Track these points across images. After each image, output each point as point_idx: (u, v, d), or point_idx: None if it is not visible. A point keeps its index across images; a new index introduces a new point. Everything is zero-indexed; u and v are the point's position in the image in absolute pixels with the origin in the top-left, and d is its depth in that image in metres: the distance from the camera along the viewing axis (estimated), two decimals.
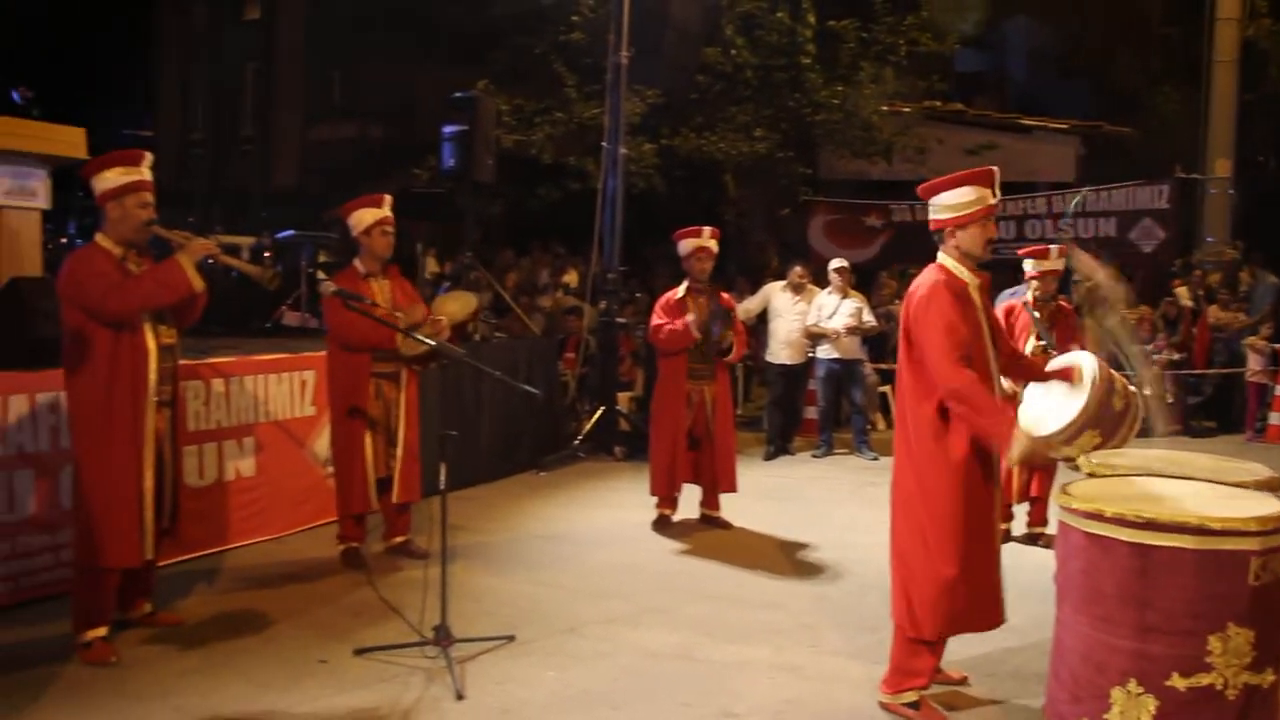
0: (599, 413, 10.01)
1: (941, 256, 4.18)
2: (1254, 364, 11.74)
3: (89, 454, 4.53)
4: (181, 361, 5.00)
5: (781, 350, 10.34)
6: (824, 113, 15.84)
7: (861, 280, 12.48)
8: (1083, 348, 4.74)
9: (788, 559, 6.56)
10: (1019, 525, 7.05)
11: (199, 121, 29.09)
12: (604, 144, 10.37)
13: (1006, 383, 4.81)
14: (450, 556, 4.80)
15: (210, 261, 4.95)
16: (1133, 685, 3.45)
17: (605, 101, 10.61)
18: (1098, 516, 3.51)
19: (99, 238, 4.68)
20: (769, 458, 10.14)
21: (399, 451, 6.07)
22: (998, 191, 4.14)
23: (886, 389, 11.19)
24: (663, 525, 7.25)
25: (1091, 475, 4.27)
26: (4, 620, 5.01)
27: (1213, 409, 12.39)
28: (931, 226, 4.22)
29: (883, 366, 11.38)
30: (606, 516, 7.58)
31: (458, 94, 9.80)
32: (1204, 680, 3.38)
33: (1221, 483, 4.00)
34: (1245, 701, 3.39)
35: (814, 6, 15.53)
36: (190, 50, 28.89)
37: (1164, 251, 15.36)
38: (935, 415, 4.00)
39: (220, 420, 6.31)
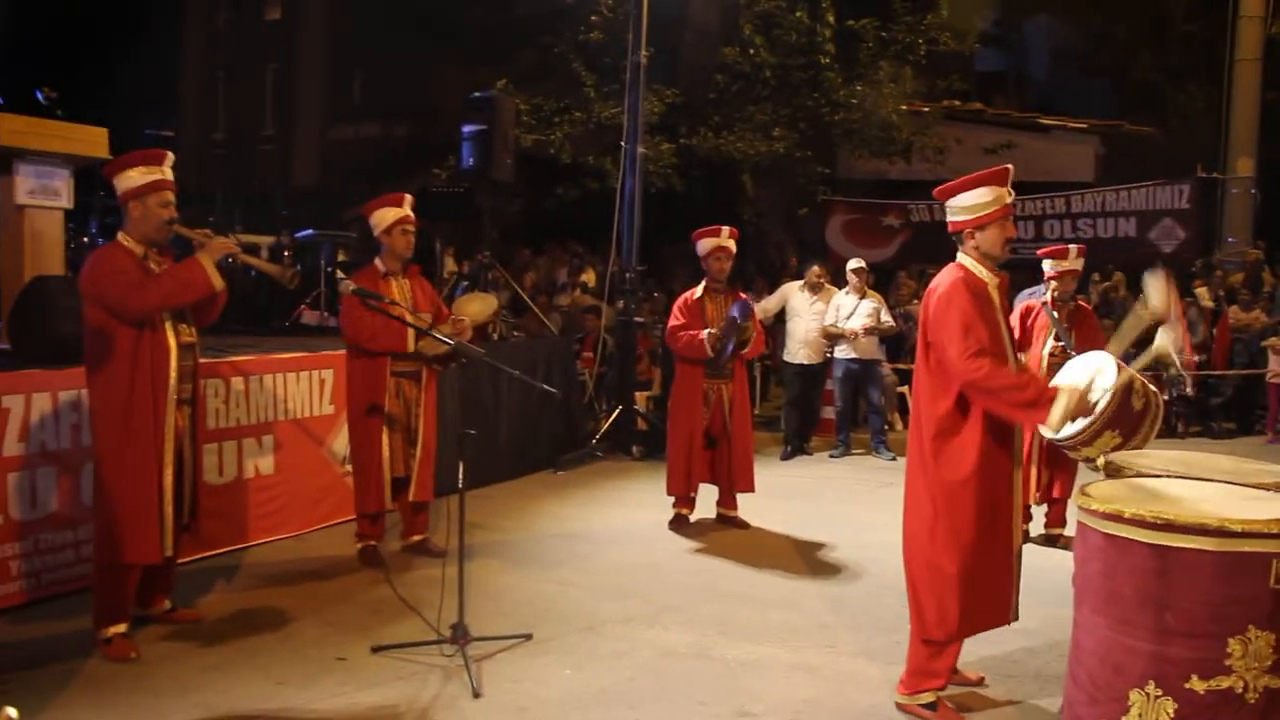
0: (616, 412, 10.03)
1: (961, 257, 4.17)
2: (1275, 365, 11.65)
3: (110, 451, 4.57)
4: (201, 360, 5.03)
5: (799, 350, 10.33)
6: (842, 112, 15.82)
7: (880, 280, 12.48)
8: (1101, 348, 4.72)
9: (805, 559, 6.55)
10: (1037, 526, 7.03)
11: (220, 121, 29.29)
12: (622, 143, 10.38)
13: None
14: (468, 555, 4.81)
15: (230, 260, 4.98)
16: (1151, 687, 3.43)
17: (624, 101, 10.62)
18: (1117, 518, 3.49)
19: (121, 236, 4.71)
20: (786, 458, 10.13)
21: (418, 451, 6.10)
22: (1013, 190, 4.13)
23: (904, 389, 11.17)
24: (680, 525, 7.25)
25: (1110, 476, 4.25)
26: (26, 616, 5.06)
27: (1233, 410, 12.32)
28: (950, 228, 4.21)
29: (901, 366, 11.37)
30: (623, 516, 7.58)
31: (477, 94, 9.83)
32: (1224, 683, 3.36)
33: (1242, 484, 3.97)
34: (1266, 705, 3.36)
35: (833, 6, 15.51)
36: (212, 51, 29.09)
37: (1184, 251, 15.26)
38: (951, 414, 3.99)
39: (240, 418, 6.35)
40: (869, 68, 15.85)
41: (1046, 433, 3.89)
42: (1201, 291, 13.48)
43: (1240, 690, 3.35)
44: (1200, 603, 3.36)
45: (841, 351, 10.25)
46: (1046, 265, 6.93)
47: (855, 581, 6.07)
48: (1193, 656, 3.38)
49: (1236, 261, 14.89)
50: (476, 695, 4.28)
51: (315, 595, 5.57)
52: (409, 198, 6.22)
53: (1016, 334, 6.63)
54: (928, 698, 4.16)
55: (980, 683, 4.51)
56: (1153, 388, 3.96)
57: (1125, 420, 3.81)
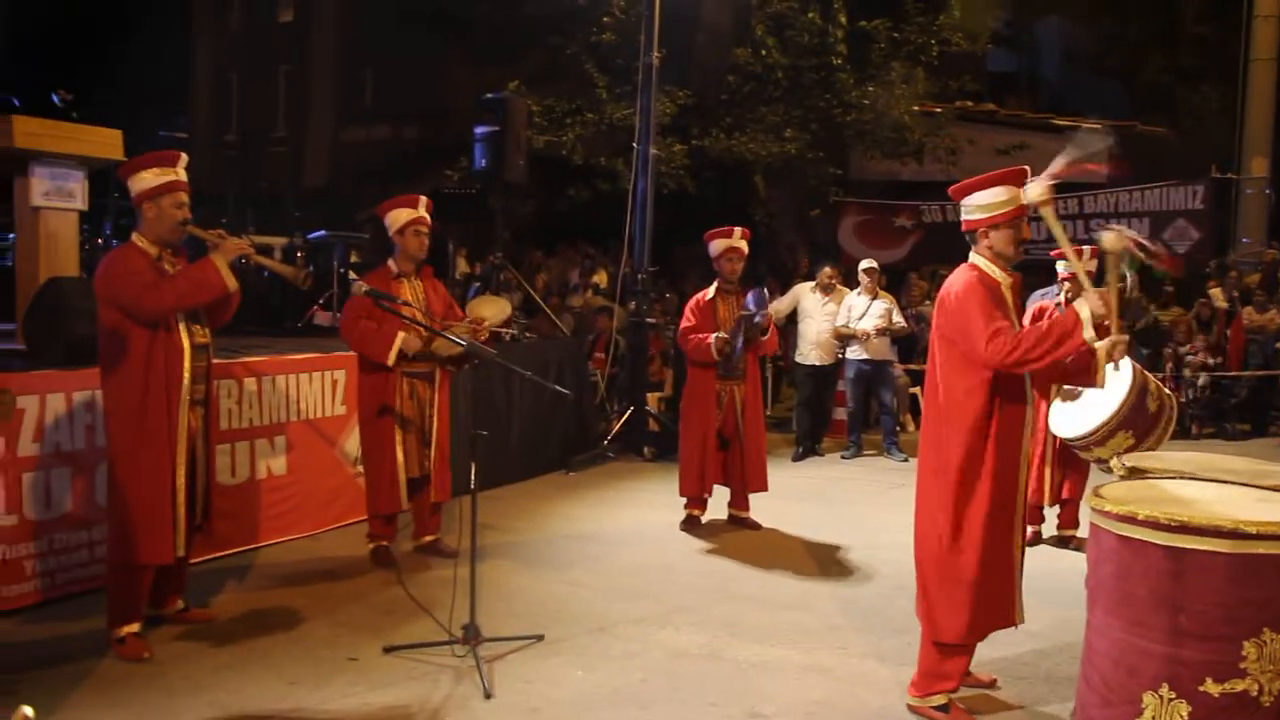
0: (628, 413, 10.02)
1: (974, 256, 4.16)
2: None
3: (123, 452, 4.58)
4: (215, 360, 5.05)
5: (811, 351, 10.32)
6: (855, 113, 15.80)
7: (891, 281, 12.46)
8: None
9: (816, 560, 6.54)
10: (1050, 528, 7.00)
11: (233, 123, 29.42)
12: (634, 144, 10.39)
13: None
14: (479, 556, 4.82)
15: (244, 261, 5.01)
16: (1165, 690, 3.41)
17: (636, 102, 10.62)
18: (1130, 519, 3.48)
19: (135, 237, 4.73)
20: (798, 459, 10.12)
21: (433, 451, 6.11)
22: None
23: (916, 390, 11.14)
24: (691, 526, 7.24)
25: (1124, 478, 4.23)
26: (40, 615, 5.08)
27: (1247, 411, 12.26)
28: (964, 227, 4.20)
29: (913, 367, 11.34)
30: (635, 517, 7.58)
31: (489, 95, 9.84)
32: (1238, 686, 3.34)
33: (1257, 486, 3.95)
34: None
35: (845, 7, 15.49)
36: (225, 52, 29.21)
37: (1199, 252, 15.20)
38: (964, 414, 3.98)
39: (252, 419, 6.36)
40: (881, 69, 15.82)
41: (1059, 433, 3.88)
42: (1216, 292, 13.42)
43: (1255, 693, 3.33)
44: (1214, 605, 3.34)
45: (853, 352, 10.24)
46: (1060, 266, 6.91)
47: (867, 583, 6.06)
48: (1207, 659, 3.36)
49: (1252, 262, 14.83)
50: (488, 696, 4.29)
51: (327, 595, 5.58)
52: (424, 199, 6.24)
53: None
54: (940, 700, 4.16)
55: (992, 685, 4.49)
56: (1167, 390, 3.94)
57: (1139, 422, 3.81)
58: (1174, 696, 3.39)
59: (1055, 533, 6.97)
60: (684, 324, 7.16)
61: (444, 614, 4.91)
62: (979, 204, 4.11)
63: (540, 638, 4.94)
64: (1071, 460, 6.57)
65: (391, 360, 5.87)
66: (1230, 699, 3.34)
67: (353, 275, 9.77)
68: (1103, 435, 3.82)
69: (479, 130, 9.52)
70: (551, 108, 15.74)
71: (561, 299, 14.09)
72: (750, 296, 6.99)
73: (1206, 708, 3.36)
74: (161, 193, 4.68)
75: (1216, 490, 3.87)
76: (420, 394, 6.08)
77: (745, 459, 7.16)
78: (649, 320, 10.64)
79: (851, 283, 10.51)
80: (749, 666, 4.72)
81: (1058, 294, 6.95)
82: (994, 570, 4.00)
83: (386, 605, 5.45)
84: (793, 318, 10.70)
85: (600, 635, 5.07)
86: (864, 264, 10.38)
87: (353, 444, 6.79)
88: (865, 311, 10.09)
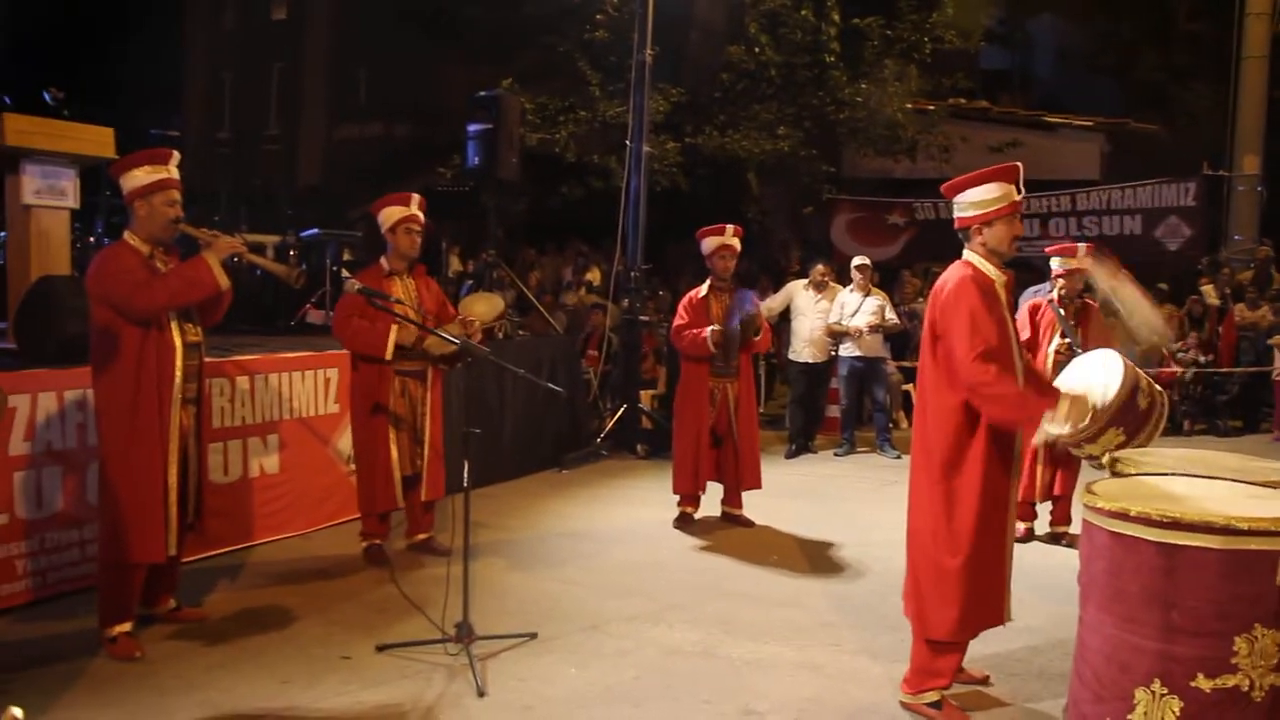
0: (621, 410, 10.03)
1: (967, 253, 4.16)
2: None
3: (115, 450, 4.57)
4: (207, 359, 5.04)
5: (804, 348, 10.33)
6: (848, 110, 15.80)
7: (884, 278, 12.46)
8: (1108, 345, 4.71)
9: (809, 557, 6.55)
10: (1042, 524, 7.02)
11: (226, 121, 29.31)
12: (627, 142, 10.39)
13: None
14: (472, 554, 4.82)
15: (236, 260, 4.98)
16: (1157, 686, 3.42)
17: (629, 100, 10.61)
18: (1123, 516, 3.48)
19: (127, 236, 4.72)
20: (791, 456, 10.13)
21: (425, 449, 6.11)
22: (1022, 188, 4.13)
23: (909, 387, 11.15)
24: (685, 523, 7.24)
25: (1116, 474, 4.24)
26: (31, 615, 5.07)
27: (1239, 408, 12.30)
28: (957, 224, 4.21)
29: (905, 364, 11.36)
30: (628, 514, 7.59)
31: (482, 93, 9.82)
32: (1229, 681, 3.35)
33: (1248, 482, 3.97)
34: (1272, 703, 3.36)
35: (838, 4, 15.48)
36: (218, 50, 29.13)
37: (1190, 249, 15.23)
38: (956, 411, 3.99)
39: (245, 417, 6.35)
40: (874, 66, 15.81)
41: (1051, 429, 3.89)
42: (1208, 289, 13.46)
43: (1246, 688, 3.34)
44: (1206, 601, 3.35)
45: (846, 350, 10.25)
46: (1054, 263, 6.93)
47: (860, 580, 6.07)
48: (1199, 655, 3.37)
49: (1244, 259, 14.87)
50: (481, 694, 4.29)
51: (320, 594, 5.57)
52: (417, 197, 6.23)
53: (1025, 333, 6.63)
54: (933, 696, 4.16)
55: (985, 681, 4.50)
56: (1158, 387, 3.95)
57: (1130, 418, 3.81)
58: (1166, 692, 3.40)
59: (1048, 529, 6.98)
60: (677, 321, 7.16)
61: (437, 612, 4.91)
62: (972, 201, 4.11)
63: (533, 636, 4.94)
64: (1063, 457, 6.58)
65: (389, 355, 5.86)
66: (1222, 694, 3.35)
67: (345, 273, 9.75)
68: (1094, 432, 3.82)
69: (472, 128, 9.50)
70: (545, 105, 15.73)
71: (555, 297, 14.09)
72: (741, 298, 6.99)
73: (1198, 703, 3.37)
74: (153, 191, 4.67)
75: (1208, 487, 3.88)
76: (412, 392, 6.08)
77: (738, 456, 7.16)
78: (642, 318, 10.64)
79: (844, 280, 10.52)
80: (742, 664, 4.73)
81: (1050, 291, 6.96)
82: (985, 567, 4.00)
83: (379, 603, 5.44)
84: (786, 315, 10.71)
85: (593, 633, 5.07)
86: (856, 261, 10.38)
87: (345, 442, 6.78)
88: (858, 309, 10.10)
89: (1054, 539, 6.91)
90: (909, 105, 16.23)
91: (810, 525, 7.26)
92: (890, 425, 10.63)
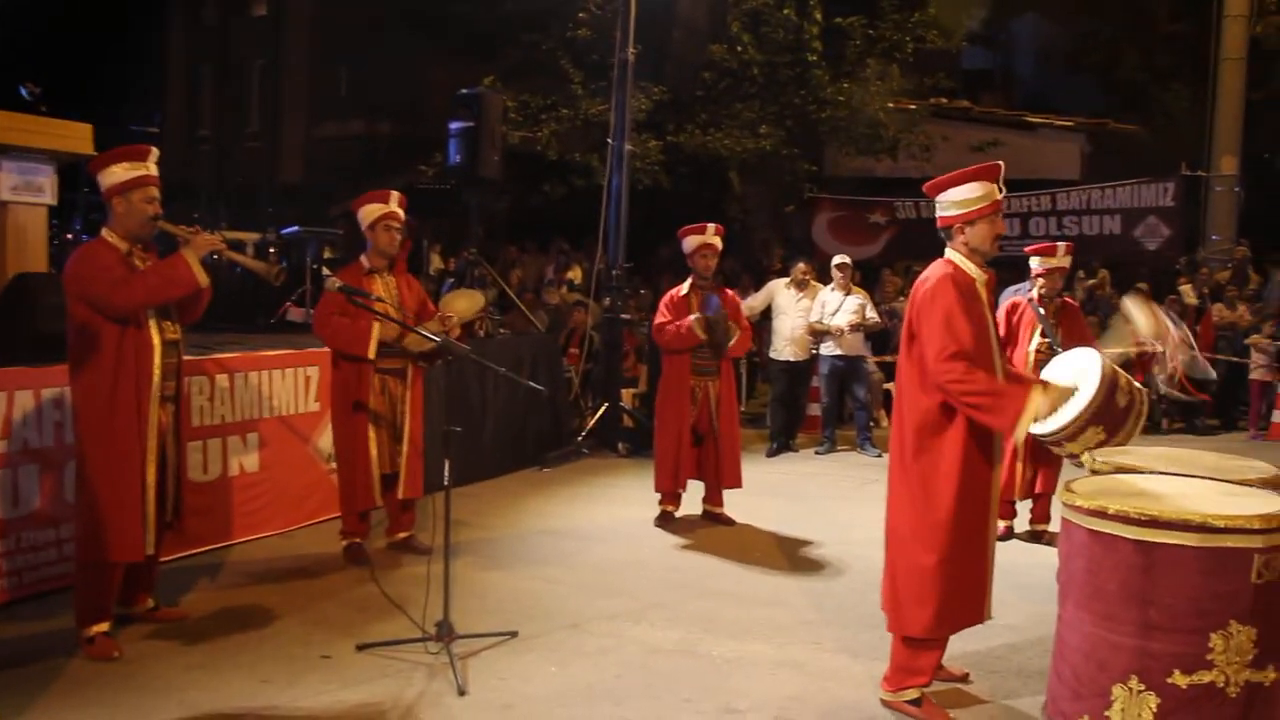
0: (603, 409, 10.02)
1: (949, 252, 4.17)
2: (1257, 362, 11.74)
3: (93, 449, 4.54)
4: (186, 357, 5.01)
5: (785, 347, 10.34)
6: (829, 109, 15.86)
7: (866, 277, 12.50)
8: (1088, 344, 4.73)
9: (790, 556, 6.56)
10: (1022, 522, 7.05)
11: (205, 117, 29.18)
12: (609, 140, 10.38)
13: None
14: (453, 552, 4.80)
15: (215, 257, 4.96)
16: (1134, 682, 3.45)
17: (611, 98, 10.61)
18: (1101, 514, 3.51)
19: (105, 233, 4.69)
20: (772, 454, 10.15)
21: (404, 448, 6.09)
22: (1003, 187, 4.15)
23: (890, 385, 11.18)
24: (666, 521, 7.24)
25: (1095, 472, 4.27)
26: (8, 615, 5.03)
27: (1216, 407, 12.38)
28: (939, 223, 4.22)
29: (887, 360, 11.38)
30: (609, 513, 7.58)
31: (464, 90, 9.80)
32: (1205, 678, 3.38)
33: (1225, 480, 4.00)
34: (1247, 699, 3.39)
35: (820, 3, 15.53)
36: (198, 46, 28.98)
37: (1169, 249, 15.33)
38: (935, 408, 4.00)
39: (224, 415, 6.32)
40: (856, 65, 15.88)
41: (1031, 428, 3.90)
42: (1186, 289, 13.55)
43: (1222, 684, 3.37)
44: (1183, 598, 3.38)
45: (827, 348, 10.27)
46: (1034, 262, 6.95)
47: (840, 578, 6.08)
48: (1175, 651, 3.40)
49: (1222, 259, 14.98)
50: (462, 693, 4.28)
51: (300, 593, 5.55)
52: (396, 194, 6.21)
53: (1002, 331, 6.65)
54: (913, 694, 4.17)
55: (965, 679, 4.52)
56: (1137, 385, 3.97)
57: (1109, 416, 3.82)
58: (1143, 689, 3.43)
59: (1027, 527, 7.02)
60: (658, 319, 7.16)
61: (417, 611, 4.89)
62: (954, 200, 4.13)
63: (514, 634, 4.93)
64: (1043, 454, 6.60)
65: (372, 353, 5.85)
66: (1198, 690, 3.38)
67: (326, 271, 9.73)
68: (1074, 431, 3.84)
69: (454, 126, 9.48)
70: (527, 103, 15.72)
71: (536, 295, 14.07)
72: (708, 302, 7.00)
73: (1174, 699, 3.40)
74: (132, 188, 4.64)
75: (1186, 485, 3.91)
76: (392, 390, 6.06)
77: (719, 455, 7.17)
78: (623, 316, 10.64)
79: (825, 279, 10.54)
80: (723, 662, 4.73)
81: (1029, 290, 6.99)
82: (963, 565, 4.00)
83: (359, 602, 5.42)
84: (767, 314, 10.72)
85: (574, 631, 5.06)
86: (837, 260, 10.40)
87: (326, 441, 6.75)
88: (839, 307, 10.12)
89: (1034, 537, 6.94)
90: (891, 104, 16.29)
91: (791, 523, 7.27)
92: (871, 424, 10.65)
